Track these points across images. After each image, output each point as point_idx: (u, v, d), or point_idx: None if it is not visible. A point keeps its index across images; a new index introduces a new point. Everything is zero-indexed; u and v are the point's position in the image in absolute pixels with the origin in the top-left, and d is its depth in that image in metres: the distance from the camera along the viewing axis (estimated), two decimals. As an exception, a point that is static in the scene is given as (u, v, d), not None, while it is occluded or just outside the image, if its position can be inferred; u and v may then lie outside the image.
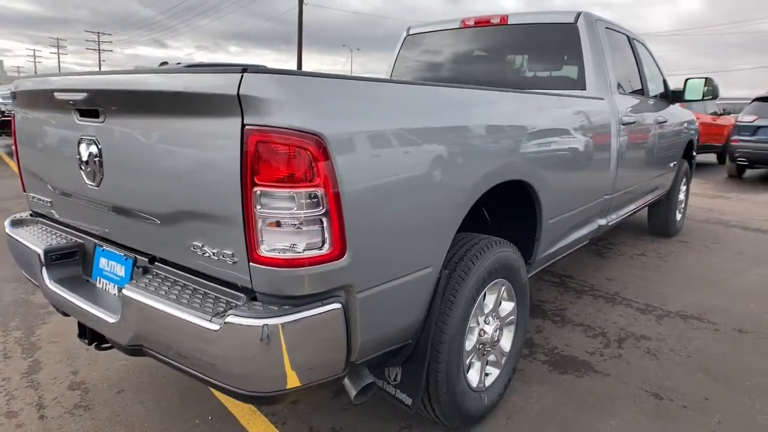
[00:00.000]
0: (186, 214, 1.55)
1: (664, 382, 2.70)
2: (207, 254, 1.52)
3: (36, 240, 2.13)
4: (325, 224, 1.38)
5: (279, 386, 1.44)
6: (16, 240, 2.23)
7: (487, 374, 2.30)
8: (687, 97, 4.57)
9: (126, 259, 1.88)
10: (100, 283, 1.99)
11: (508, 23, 3.70)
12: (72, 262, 2.08)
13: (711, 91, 4.46)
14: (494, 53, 3.88)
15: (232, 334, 1.37)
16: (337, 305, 1.45)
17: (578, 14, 3.42)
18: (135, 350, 1.70)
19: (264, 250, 1.38)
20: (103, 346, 2.00)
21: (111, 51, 72.38)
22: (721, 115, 12.79)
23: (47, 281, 2.01)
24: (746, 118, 10.12)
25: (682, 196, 5.64)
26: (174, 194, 1.56)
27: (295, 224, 1.36)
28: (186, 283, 1.64)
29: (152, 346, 1.64)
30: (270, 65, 1.55)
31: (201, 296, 1.55)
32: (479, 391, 2.21)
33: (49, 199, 2.21)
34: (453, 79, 4.00)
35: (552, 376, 2.73)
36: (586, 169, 3.02)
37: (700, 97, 4.52)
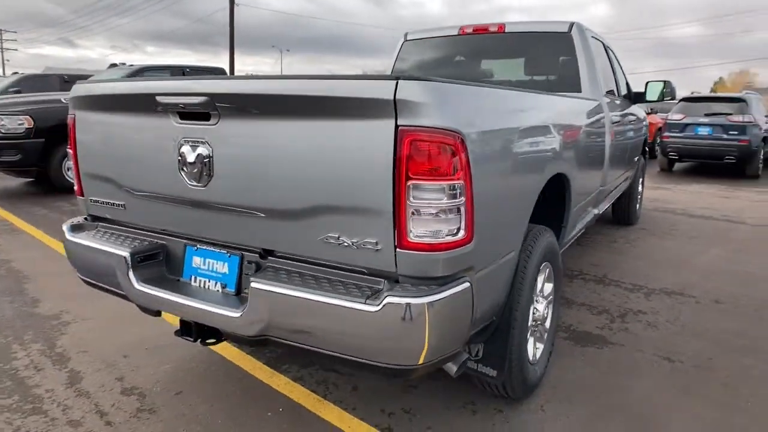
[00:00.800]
0: (323, 209, 1.66)
1: (671, 348, 3.08)
2: (345, 244, 1.64)
3: (114, 244, 2.14)
4: (462, 213, 1.56)
5: (416, 360, 1.59)
6: (87, 246, 2.21)
7: (536, 348, 2.54)
8: (648, 98, 5.08)
9: (230, 256, 1.95)
10: (195, 281, 2.04)
11: (506, 31, 3.99)
12: (156, 263, 2.11)
13: (669, 93, 4.99)
14: (493, 59, 4.18)
15: (391, 314, 1.51)
16: (467, 284, 1.64)
17: (571, 24, 3.78)
18: (259, 340, 1.78)
19: (412, 237, 1.54)
20: (208, 341, 2.05)
21: (16, 50, 66.90)
22: (649, 113, 13.98)
23: (135, 283, 2.03)
24: (675, 117, 11.19)
25: (640, 188, 6.23)
26: (311, 190, 1.67)
27: (439, 213, 1.53)
28: (312, 273, 1.75)
29: (285, 335, 1.73)
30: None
31: (334, 283, 1.67)
32: (534, 364, 2.45)
33: (120, 202, 2.21)
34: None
35: (577, 350, 3.04)
36: (593, 163, 3.36)
37: (660, 98, 5.05)
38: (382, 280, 1.63)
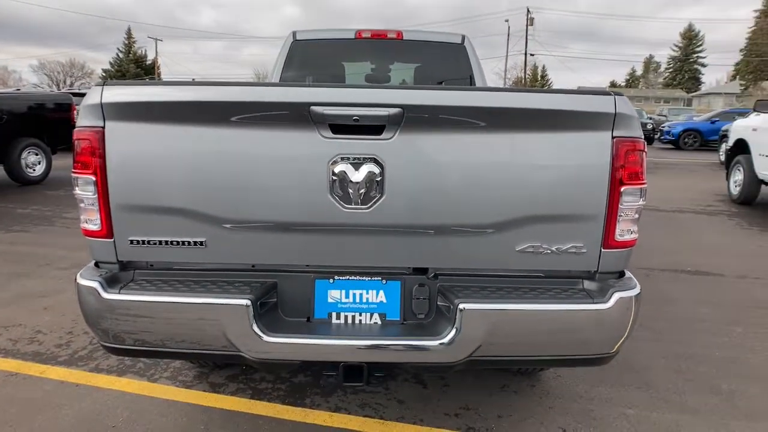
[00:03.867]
0: (525, 219, 1.66)
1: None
2: (544, 252, 1.66)
3: (213, 293, 1.63)
4: (641, 213, 1.77)
5: (613, 348, 1.75)
6: (168, 303, 1.67)
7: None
8: None
9: (386, 282, 1.70)
10: (338, 318, 1.77)
11: (404, 39, 4.14)
12: (270, 307, 1.67)
13: None
14: (389, 64, 4.27)
15: (618, 308, 1.65)
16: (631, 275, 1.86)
17: (463, 36, 4.19)
18: (461, 364, 1.63)
19: (617, 237, 1.67)
20: (351, 383, 1.76)
21: None
22: None
23: (263, 336, 1.62)
24: None
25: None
26: (513, 203, 1.66)
27: (635, 213, 1.70)
28: (502, 284, 1.72)
29: (497, 351, 1.66)
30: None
31: (537, 291, 1.69)
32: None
33: (198, 239, 1.70)
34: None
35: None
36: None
37: None
38: (579, 279, 1.71)
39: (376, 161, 1.63)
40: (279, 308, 1.78)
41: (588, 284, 1.76)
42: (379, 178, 1.64)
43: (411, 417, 2.40)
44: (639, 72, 70.33)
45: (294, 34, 4.23)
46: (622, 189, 1.67)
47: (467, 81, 4.10)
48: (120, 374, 2.72)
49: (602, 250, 1.71)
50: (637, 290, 1.71)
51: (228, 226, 1.70)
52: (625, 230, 1.72)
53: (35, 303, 3.67)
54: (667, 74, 59.56)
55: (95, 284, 1.70)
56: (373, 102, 1.60)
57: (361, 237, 1.71)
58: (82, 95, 10.17)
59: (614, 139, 1.65)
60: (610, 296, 1.67)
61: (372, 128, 1.62)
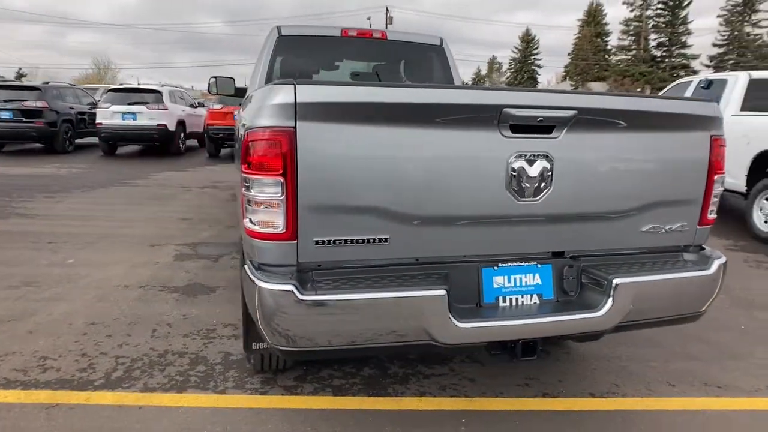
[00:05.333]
0: (651, 205, 2.03)
1: None
2: (660, 231, 2.00)
3: (405, 287, 1.72)
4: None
5: (703, 307, 2.15)
6: (365, 299, 1.69)
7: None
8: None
9: (540, 266, 1.91)
10: (504, 301, 1.94)
11: (388, 39, 4.27)
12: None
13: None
14: (372, 63, 4.37)
15: (717, 272, 2.10)
16: None
17: (441, 39, 4.45)
18: (610, 330, 1.96)
19: (708, 215, 2.08)
20: (527, 357, 1.97)
21: None
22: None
23: (457, 323, 1.75)
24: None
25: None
26: (645, 191, 2.03)
27: (719, 196, 2.13)
28: (627, 261, 2.09)
29: (636, 317, 2.00)
30: None
31: (655, 263, 2.06)
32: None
33: (382, 236, 1.77)
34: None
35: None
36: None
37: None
38: (679, 252, 2.10)
39: (547, 157, 1.84)
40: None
41: (687, 256, 2.15)
42: (549, 173, 1.85)
43: (491, 392, 2.62)
44: (484, 71, 76.43)
45: (279, 29, 4.15)
46: (716, 177, 2.08)
47: (448, 79, 4.39)
48: (179, 390, 2.55)
49: (698, 227, 2.11)
50: (725, 259, 2.14)
51: (415, 222, 1.78)
52: (713, 210, 2.14)
53: (12, 328, 3.19)
54: (509, 74, 65.43)
55: (290, 287, 1.67)
56: (556, 105, 1.82)
57: (522, 226, 1.90)
58: None
59: (711, 137, 2.06)
60: (712, 263, 2.08)
61: (543, 128, 1.82)
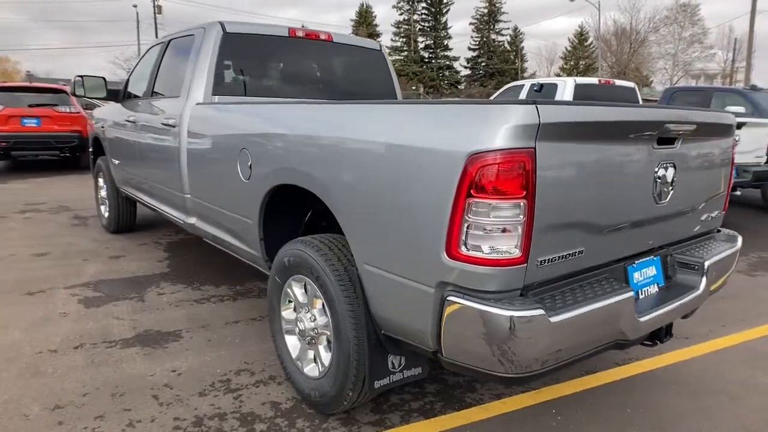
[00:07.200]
0: (709, 198, 2.51)
1: None
2: (708, 218, 2.58)
3: (601, 294, 1.84)
4: None
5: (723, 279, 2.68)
6: (586, 312, 1.74)
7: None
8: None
9: (654, 259, 2.24)
10: (641, 294, 2.18)
11: (333, 41, 4.08)
12: None
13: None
14: (317, 65, 4.10)
15: (740, 247, 2.60)
16: None
17: (379, 43, 4.45)
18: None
19: (726, 204, 2.61)
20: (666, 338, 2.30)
21: None
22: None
23: (640, 318, 1.99)
24: None
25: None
26: (710, 188, 2.48)
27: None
28: (688, 245, 2.49)
29: (710, 288, 2.36)
30: None
31: (705, 243, 2.55)
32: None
33: (579, 249, 1.85)
34: (278, 84, 3.92)
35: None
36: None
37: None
38: (711, 234, 2.67)
39: (674, 165, 2.15)
40: None
41: (718, 236, 2.68)
42: (674, 178, 2.17)
43: (552, 380, 2.83)
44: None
45: (222, 26, 3.61)
46: (732, 172, 2.63)
47: (390, 82, 4.45)
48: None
49: (721, 212, 2.64)
50: (740, 237, 2.72)
51: (604, 232, 1.92)
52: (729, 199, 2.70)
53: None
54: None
55: (538, 312, 1.62)
56: (689, 120, 2.16)
57: (649, 226, 2.18)
58: None
59: (734, 140, 2.61)
60: (737, 240, 2.66)
61: (669, 140, 2.11)
